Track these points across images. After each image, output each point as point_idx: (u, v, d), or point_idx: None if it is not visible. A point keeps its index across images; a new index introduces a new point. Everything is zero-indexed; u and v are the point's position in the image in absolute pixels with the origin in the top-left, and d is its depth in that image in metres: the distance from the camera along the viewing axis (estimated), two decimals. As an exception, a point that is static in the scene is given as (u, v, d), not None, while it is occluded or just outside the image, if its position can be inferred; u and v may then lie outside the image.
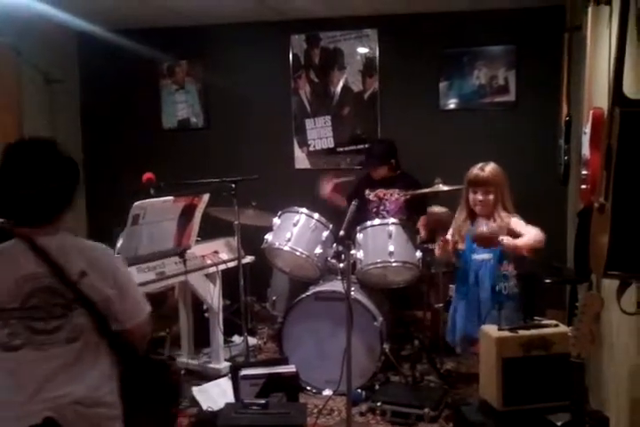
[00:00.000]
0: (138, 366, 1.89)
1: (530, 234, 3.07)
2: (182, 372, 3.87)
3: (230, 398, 3.22)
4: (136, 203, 3.28)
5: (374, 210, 4.48)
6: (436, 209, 3.55)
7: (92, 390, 1.74)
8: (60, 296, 1.72)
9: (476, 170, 3.22)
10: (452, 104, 5.05)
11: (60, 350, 1.72)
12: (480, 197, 3.19)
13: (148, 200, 3.35)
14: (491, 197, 3.17)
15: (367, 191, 4.54)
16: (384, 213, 4.44)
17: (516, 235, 3.09)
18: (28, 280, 1.71)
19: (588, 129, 2.60)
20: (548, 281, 3.64)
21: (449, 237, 3.32)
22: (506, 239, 3.02)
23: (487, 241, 3.01)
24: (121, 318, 1.82)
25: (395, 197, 4.47)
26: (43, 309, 1.71)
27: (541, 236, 3.07)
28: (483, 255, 3.20)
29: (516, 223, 3.15)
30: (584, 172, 2.67)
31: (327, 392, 3.62)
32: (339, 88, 5.28)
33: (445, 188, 3.71)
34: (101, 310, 1.76)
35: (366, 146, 5.01)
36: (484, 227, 3.04)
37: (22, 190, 1.74)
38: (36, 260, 1.72)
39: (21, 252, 1.73)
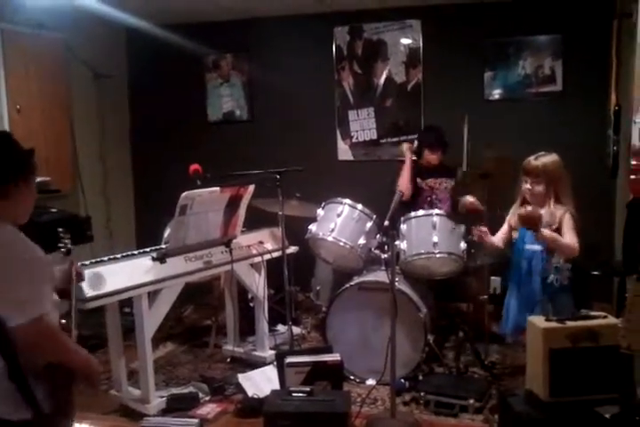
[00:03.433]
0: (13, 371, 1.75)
1: (568, 240, 3.08)
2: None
3: (275, 386, 3.27)
4: (184, 193, 3.33)
5: (428, 199, 4.46)
6: (470, 198, 3.53)
7: None
8: None
9: (530, 158, 3.22)
10: (496, 94, 5.00)
11: None
12: (528, 185, 3.18)
13: (195, 191, 3.40)
14: (539, 187, 3.15)
15: (419, 180, 4.53)
16: (436, 201, 4.43)
17: (559, 231, 3.10)
18: None
19: (638, 118, 2.56)
20: (595, 273, 3.60)
21: (484, 228, 3.33)
22: (547, 230, 3.03)
23: (528, 221, 3.01)
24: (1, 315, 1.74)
25: (444, 186, 4.45)
26: None
27: (576, 249, 3.09)
28: (535, 246, 3.19)
29: (566, 222, 3.12)
30: (634, 162, 2.63)
31: (370, 382, 3.65)
32: (382, 79, 5.27)
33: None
34: None
35: (417, 134, 4.94)
36: (527, 208, 3.07)
37: None
38: None
39: None
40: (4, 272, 1.75)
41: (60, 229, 2.42)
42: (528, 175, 3.19)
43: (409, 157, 4.50)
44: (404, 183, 4.38)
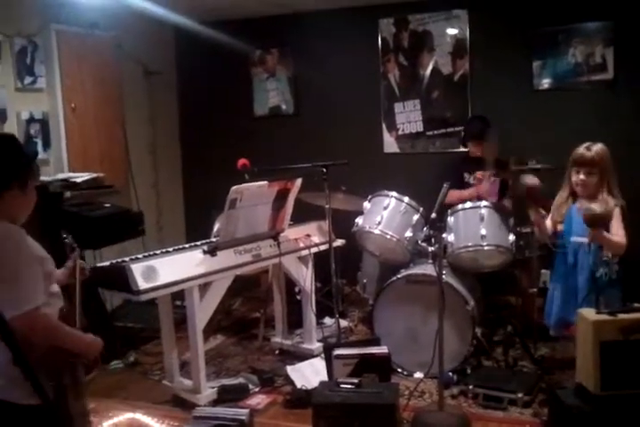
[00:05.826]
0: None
1: (618, 237, 3.00)
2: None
3: (323, 377, 3.31)
4: (233, 187, 3.39)
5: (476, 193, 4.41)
6: (531, 178, 3.38)
7: None
8: None
9: (582, 149, 3.12)
10: (546, 84, 4.90)
11: None
12: (582, 176, 3.10)
13: (244, 185, 3.45)
14: (593, 178, 3.08)
15: (466, 175, 4.47)
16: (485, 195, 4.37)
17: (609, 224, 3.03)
18: None
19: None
20: (648, 266, 3.51)
21: (547, 223, 3.27)
22: (604, 234, 2.96)
23: (595, 221, 2.90)
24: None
25: (492, 178, 4.39)
26: None
27: (624, 246, 3.02)
28: (581, 238, 3.11)
29: (616, 216, 3.05)
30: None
31: (418, 375, 3.65)
32: (428, 71, 5.24)
33: (538, 166, 3.60)
34: None
35: (465, 123, 4.90)
36: (596, 207, 2.96)
37: None
38: None
39: None
40: None
41: (64, 231, 2.50)
42: (582, 166, 3.09)
43: (474, 192, 4.32)
44: (454, 196, 4.19)
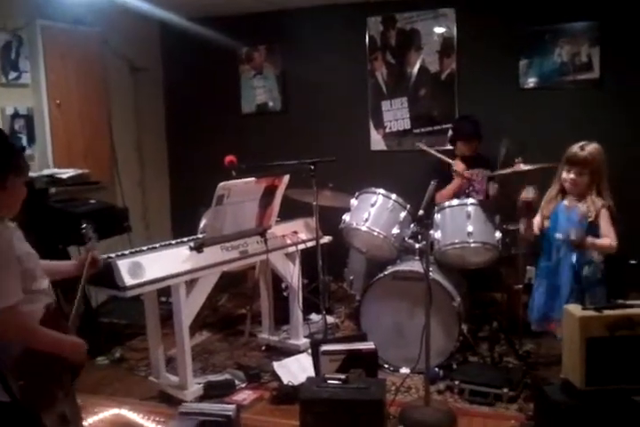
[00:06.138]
0: None
1: (607, 239, 3.04)
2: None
3: (310, 373, 3.31)
4: (220, 184, 3.37)
5: (466, 191, 4.42)
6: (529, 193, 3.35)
7: None
8: None
9: (575, 148, 3.12)
10: (532, 83, 4.93)
11: None
12: (573, 175, 3.11)
13: (231, 181, 3.44)
14: (583, 178, 3.09)
15: (453, 174, 4.48)
16: (473, 193, 4.38)
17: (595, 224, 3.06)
18: None
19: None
20: (632, 262, 3.55)
21: (536, 220, 3.29)
22: (590, 241, 3.02)
23: (575, 245, 3.00)
24: None
25: (480, 177, 4.41)
26: None
27: (614, 246, 3.04)
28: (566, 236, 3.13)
29: (603, 216, 3.07)
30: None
31: (404, 370, 3.67)
32: (415, 69, 5.25)
33: (526, 167, 3.64)
34: None
35: (452, 124, 4.86)
36: (574, 231, 3.00)
37: None
38: None
39: None
40: None
41: (84, 221, 2.49)
42: (573, 166, 3.09)
43: (459, 180, 4.32)
44: (444, 196, 4.23)
